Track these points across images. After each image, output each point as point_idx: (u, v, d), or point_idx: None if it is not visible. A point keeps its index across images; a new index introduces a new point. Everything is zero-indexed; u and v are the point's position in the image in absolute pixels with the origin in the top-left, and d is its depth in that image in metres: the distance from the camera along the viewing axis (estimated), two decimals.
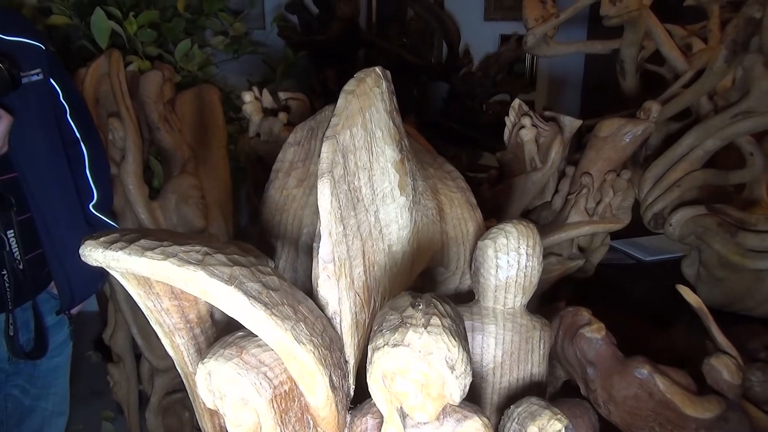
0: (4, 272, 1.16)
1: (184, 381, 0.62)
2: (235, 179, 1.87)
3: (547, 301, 1.36)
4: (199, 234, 1.67)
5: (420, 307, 0.51)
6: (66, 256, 1.23)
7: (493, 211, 1.33)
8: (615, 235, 1.42)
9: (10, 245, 1.15)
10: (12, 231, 1.16)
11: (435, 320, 0.49)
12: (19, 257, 1.18)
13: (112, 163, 1.55)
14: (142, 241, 0.48)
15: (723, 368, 0.89)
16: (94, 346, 2.46)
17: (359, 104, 0.58)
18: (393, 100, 0.64)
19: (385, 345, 0.49)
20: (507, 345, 0.69)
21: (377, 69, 0.62)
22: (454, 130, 2.72)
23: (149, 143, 1.73)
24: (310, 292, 0.59)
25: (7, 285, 1.16)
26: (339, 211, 0.56)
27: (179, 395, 1.80)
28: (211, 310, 0.62)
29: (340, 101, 0.58)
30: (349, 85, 0.59)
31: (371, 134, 0.60)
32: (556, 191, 1.36)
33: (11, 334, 1.18)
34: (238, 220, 1.96)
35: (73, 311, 1.36)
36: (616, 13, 1.39)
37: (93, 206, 1.33)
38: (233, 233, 1.83)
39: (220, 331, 0.63)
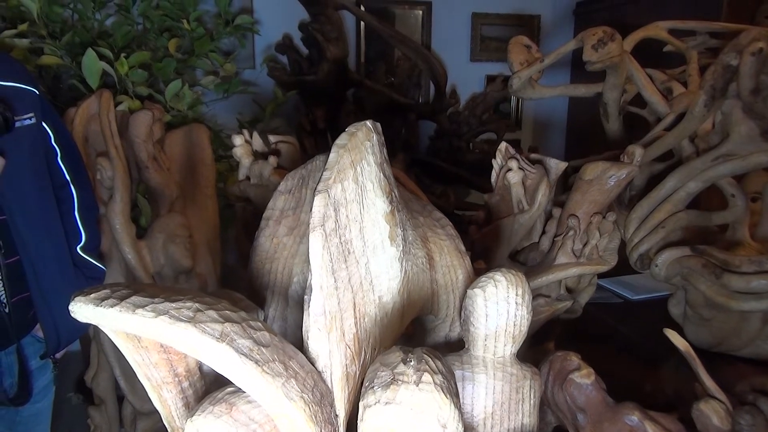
0: None
1: None
2: (223, 218, 1.87)
3: (536, 341, 1.36)
4: (190, 278, 1.65)
5: (411, 363, 0.51)
6: (53, 299, 1.22)
7: (482, 253, 1.34)
8: (602, 274, 1.44)
9: None
10: None
11: (426, 377, 0.49)
12: (5, 300, 1.17)
13: (99, 202, 1.54)
14: (134, 298, 0.48)
15: (712, 414, 0.89)
16: (75, 388, 2.40)
17: (350, 158, 0.59)
18: (383, 152, 0.65)
19: (376, 403, 0.49)
20: (497, 395, 0.69)
21: (368, 123, 0.63)
22: (442, 168, 2.75)
23: (137, 182, 1.73)
24: (300, 342, 0.59)
25: None
26: (330, 264, 0.56)
27: None
28: (200, 363, 0.62)
29: (332, 155, 0.59)
30: (341, 139, 0.60)
31: (362, 187, 0.60)
32: (544, 232, 1.37)
33: None
34: (226, 260, 1.95)
35: (58, 355, 1.34)
36: (599, 59, 1.43)
37: (81, 248, 1.32)
38: (221, 273, 1.82)
39: (209, 384, 0.63)
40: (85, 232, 1.33)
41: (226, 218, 1.95)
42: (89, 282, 1.34)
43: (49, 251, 1.22)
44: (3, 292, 1.16)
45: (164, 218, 1.70)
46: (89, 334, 1.75)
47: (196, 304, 0.49)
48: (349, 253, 0.59)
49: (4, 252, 1.16)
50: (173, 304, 0.48)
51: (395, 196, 0.66)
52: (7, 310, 1.17)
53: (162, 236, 1.68)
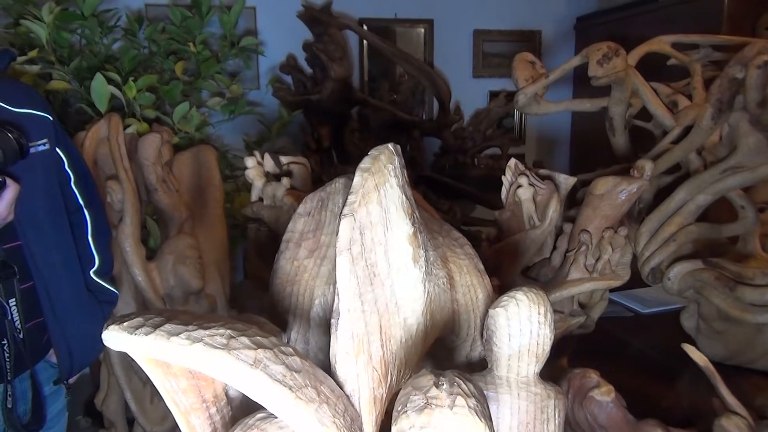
0: (5, 342, 1.14)
1: None
2: (231, 237, 1.87)
3: (549, 358, 1.36)
4: (200, 299, 1.66)
5: (444, 387, 0.51)
6: (67, 324, 1.22)
7: (494, 269, 1.35)
8: (613, 288, 1.44)
9: (11, 314, 1.14)
10: (14, 299, 1.15)
11: (460, 401, 0.49)
12: (19, 326, 1.17)
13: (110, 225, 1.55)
14: (168, 326, 0.48)
15: (735, 429, 0.89)
16: (84, 411, 2.39)
17: (374, 181, 0.60)
18: (404, 174, 0.66)
19: (411, 427, 0.49)
20: (522, 415, 0.69)
21: (390, 146, 0.64)
22: (447, 184, 2.76)
23: (147, 204, 1.74)
24: (323, 364, 0.59)
25: (7, 355, 1.14)
26: (357, 288, 0.57)
27: None
28: (226, 388, 0.62)
29: (357, 179, 0.59)
30: (365, 163, 0.60)
31: (386, 210, 0.61)
32: (555, 248, 1.38)
33: (9, 405, 1.15)
34: (234, 279, 1.95)
35: (71, 380, 1.33)
36: (604, 74, 1.44)
37: (94, 272, 1.32)
38: (229, 292, 1.82)
39: (235, 409, 0.63)
40: (98, 256, 1.34)
41: (234, 238, 1.95)
42: (102, 306, 1.34)
43: (63, 276, 1.22)
44: (18, 318, 1.16)
45: (174, 240, 1.71)
46: (99, 357, 1.74)
47: (229, 331, 0.49)
48: (374, 275, 0.59)
49: (19, 277, 1.16)
50: (206, 332, 0.48)
51: (417, 218, 0.67)
52: (21, 336, 1.17)
53: (172, 258, 1.69)
